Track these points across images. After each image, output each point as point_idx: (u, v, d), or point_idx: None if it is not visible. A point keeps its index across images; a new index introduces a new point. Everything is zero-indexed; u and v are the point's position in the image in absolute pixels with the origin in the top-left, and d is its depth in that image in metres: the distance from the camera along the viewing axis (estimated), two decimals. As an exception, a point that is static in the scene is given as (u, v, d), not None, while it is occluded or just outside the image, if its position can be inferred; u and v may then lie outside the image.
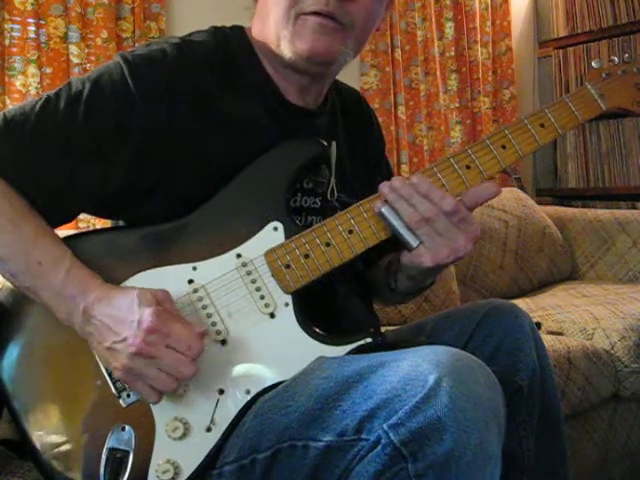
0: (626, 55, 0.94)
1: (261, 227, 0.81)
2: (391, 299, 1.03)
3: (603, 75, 0.93)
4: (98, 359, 0.77)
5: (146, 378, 0.72)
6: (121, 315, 0.72)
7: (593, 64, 0.94)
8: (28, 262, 0.75)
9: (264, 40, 0.87)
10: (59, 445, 0.77)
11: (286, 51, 0.83)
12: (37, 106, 0.79)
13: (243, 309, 0.79)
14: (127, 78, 0.79)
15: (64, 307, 0.75)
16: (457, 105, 2.61)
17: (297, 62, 0.83)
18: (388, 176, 1.07)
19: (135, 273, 0.79)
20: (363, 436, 0.65)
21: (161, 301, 0.74)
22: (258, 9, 0.88)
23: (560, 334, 1.65)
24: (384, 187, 0.80)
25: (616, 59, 0.94)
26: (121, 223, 0.89)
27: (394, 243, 0.84)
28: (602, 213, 2.32)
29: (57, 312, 0.76)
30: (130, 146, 0.79)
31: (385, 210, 0.79)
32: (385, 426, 0.63)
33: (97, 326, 0.73)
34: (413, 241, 0.78)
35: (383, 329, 1.00)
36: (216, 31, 0.88)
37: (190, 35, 0.87)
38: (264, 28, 0.86)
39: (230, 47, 0.86)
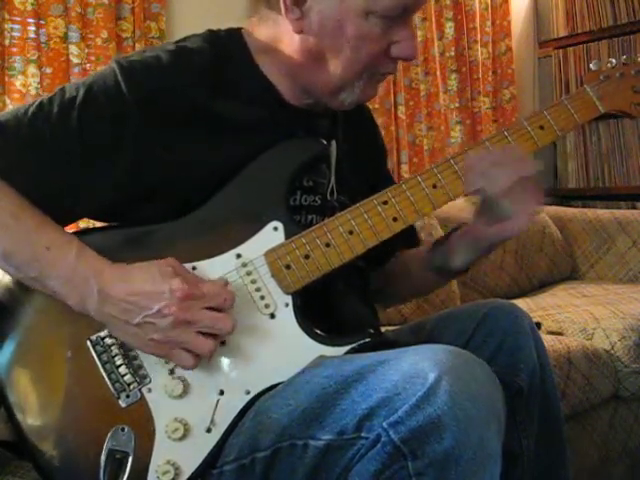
0: (624, 57, 0.94)
1: (261, 227, 0.81)
2: (428, 284, 1.02)
3: (601, 77, 0.93)
4: (89, 347, 0.77)
5: (184, 344, 0.72)
6: (145, 289, 0.72)
7: (591, 66, 0.95)
8: (34, 250, 0.74)
9: (300, 68, 0.84)
10: (57, 446, 0.76)
11: (349, 98, 0.85)
12: (30, 111, 0.78)
13: (243, 309, 0.79)
14: (121, 84, 0.79)
15: (76, 292, 0.74)
16: (457, 105, 2.61)
17: (349, 106, 0.87)
18: (390, 180, 1.07)
19: (135, 272, 0.78)
20: (363, 434, 0.65)
21: (178, 269, 0.75)
22: (296, 39, 0.83)
23: (560, 334, 1.65)
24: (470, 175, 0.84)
25: (614, 61, 0.94)
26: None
27: (403, 239, 0.93)
28: (602, 213, 2.32)
29: (68, 299, 0.75)
30: (125, 151, 0.79)
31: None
32: (385, 424, 0.63)
33: (119, 305, 0.73)
34: (509, 209, 0.85)
35: (383, 329, 1.01)
36: (211, 35, 0.87)
37: (185, 40, 0.87)
38: (313, 68, 0.83)
39: (226, 51, 0.86)
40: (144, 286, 0.72)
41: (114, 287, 0.73)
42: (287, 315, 0.79)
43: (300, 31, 0.81)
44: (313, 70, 0.83)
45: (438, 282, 1.00)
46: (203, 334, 0.73)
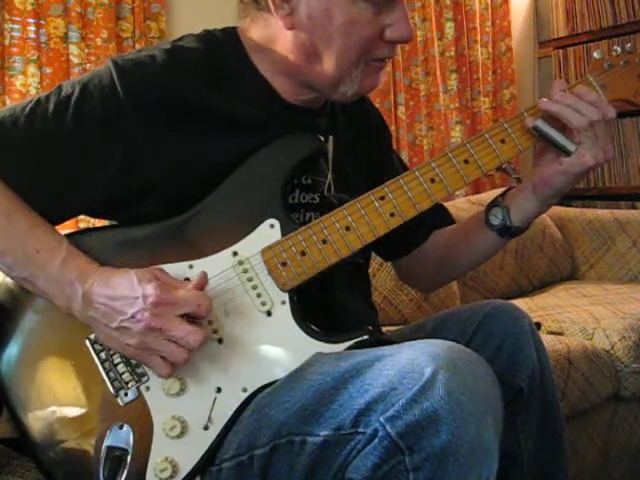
0: (628, 45, 0.92)
1: (257, 225, 0.81)
2: (482, 252, 0.99)
3: (605, 65, 0.91)
4: (88, 347, 0.78)
5: (158, 351, 0.73)
6: (123, 294, 0.73)
7: (595, 55, 0.92)
8: (25, 252, 0.75)
9: (297, 66, 0.84)
10: (58, 444, 0.77)
11: (350, 90, 0.84)
12: (27, 108, 0.79)
13: (240, 307, 0.79)
14: (116, 82, 0.79)
15: (63, 294, 0.75)
16: (457, 105, 2.61)
17: (352, 98, 0.86)
18: (401, 168, 1.06)
19: (132, 271, 0.79)
20: (360, 429, 0.65)
21: (157, 275, 0.75)
22: (287, 36, 0.82)
23: (560, 334, 1.65)
24: (544, 102, 0.86)
25: (618, 49, 0.91)
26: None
27: (435, 221, 1.00)
28: (602, 213, 2.32)
29: (56, 300, 0.76)
30: (118, 149, 0.79)
31: (539, 123, 0.85)
32: (382, 419, 0.63)
33: (99, 309, 0.74)
34: (571, 146, 0.85)
35: (383, 329, 1.01)
36: (207, 35, 0.87)
37: (181, 39, 0.87)
38: (309, 64, 0.83)
39: (221, 50, 0.86)
40: (122, 291, 0.73)
41: (96, 291, 0.74)
42: (284, 312, 0.79)
43: (291, 27, 0.81)
44: (310, 66, 0.83)
45: (496, 245, 0.96)
46: (177, 343, 0.73)
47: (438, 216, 1.04)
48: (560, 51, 2.81)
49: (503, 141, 0.86)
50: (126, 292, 0.73)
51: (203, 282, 0.76)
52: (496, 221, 0.92)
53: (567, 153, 0.85)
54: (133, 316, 0.72)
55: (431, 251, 1.04)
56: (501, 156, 0.86)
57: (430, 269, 1.06)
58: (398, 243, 1.02)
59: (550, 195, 0.89)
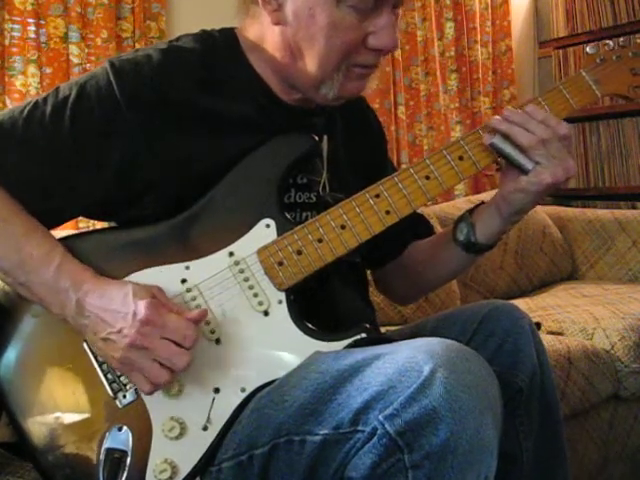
0: (621, 39, 0.91)
1: (253, 224, 0.81)
2: (453, 264, 0.98)
3: (597, 60, 0.90)
4: (86, 349, 0.78)
5: (140, 369, 0.72)
6: (115, 307, 0.73)
7: (587, 49, 0.92)
8: (21, 257, 0.75)
9: (283, 64, 0.84)
10: (57, 447, 0.77)
11: (330, 92, 0.83)
12: (25, 111, 0.79)
13: (237, 307, 0.79)
14: (112, 82, 0.79)
15: (57, 301, 0.75)
16: (457, 105, 2.61)
17: (334, 101, 0.86)
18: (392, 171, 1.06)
19: (128, 274, 0.79)
20: (359, 428, 0.65)
21: (155, 294, 0.75)
22: (274, 30, 0.83)
23: (560, 334, 1.65)
24: (494, 120, 0.85)
25: (611, 43, 0.91)
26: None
27: (414, 231, 0.99)
28: (602, 213, 2.32)
29: (50, 306, 0.76)
30: (117, 149, 0.79)
31: (496, 140, 0.84)
32: (381, 417, 0.63)
33: (91, 318, 0.74)
34: (528, 163, 0.84)
35: (383, 329, 1.00)
36: (204, 35, 0.88)
37: (178, 39, 0.87)
38: (293, 62, 0.83)
39: (217, 50, 0.86)
40: (114, 304, 0.73)
41: (90, 301, 0.74)
42: (281, 312, 0.79)
43: (277, 22, 0.81)
44: (293, 64, 0.83)
45: (463, 261, 0.96)
46: (161, 364, 0.72)
47: (416, 228, 1.03)
48: (560, 51, 2.80)
49: None
50: (118, 306, 0.73)
51: (201, 318, 0.76)
52: (461, 236, 0.92)
53: (524, 171, 0.84)
54: (120, 331, 0.72)
55: (402, 264, 1.04)
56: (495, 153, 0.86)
57: (402, 282, 1.06)
58: (376, 253, 1.02)
59: (511, 213, 0.88)
